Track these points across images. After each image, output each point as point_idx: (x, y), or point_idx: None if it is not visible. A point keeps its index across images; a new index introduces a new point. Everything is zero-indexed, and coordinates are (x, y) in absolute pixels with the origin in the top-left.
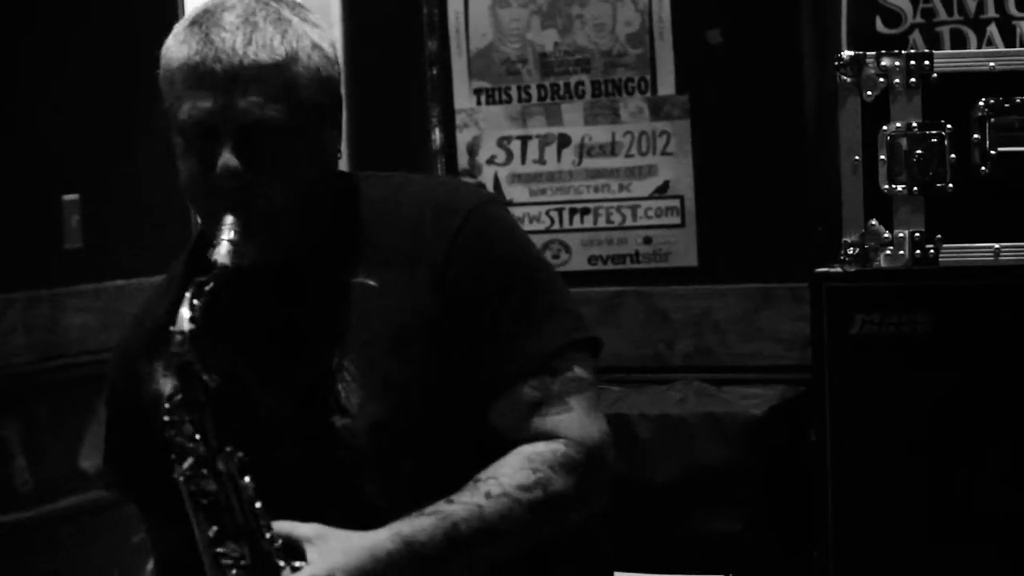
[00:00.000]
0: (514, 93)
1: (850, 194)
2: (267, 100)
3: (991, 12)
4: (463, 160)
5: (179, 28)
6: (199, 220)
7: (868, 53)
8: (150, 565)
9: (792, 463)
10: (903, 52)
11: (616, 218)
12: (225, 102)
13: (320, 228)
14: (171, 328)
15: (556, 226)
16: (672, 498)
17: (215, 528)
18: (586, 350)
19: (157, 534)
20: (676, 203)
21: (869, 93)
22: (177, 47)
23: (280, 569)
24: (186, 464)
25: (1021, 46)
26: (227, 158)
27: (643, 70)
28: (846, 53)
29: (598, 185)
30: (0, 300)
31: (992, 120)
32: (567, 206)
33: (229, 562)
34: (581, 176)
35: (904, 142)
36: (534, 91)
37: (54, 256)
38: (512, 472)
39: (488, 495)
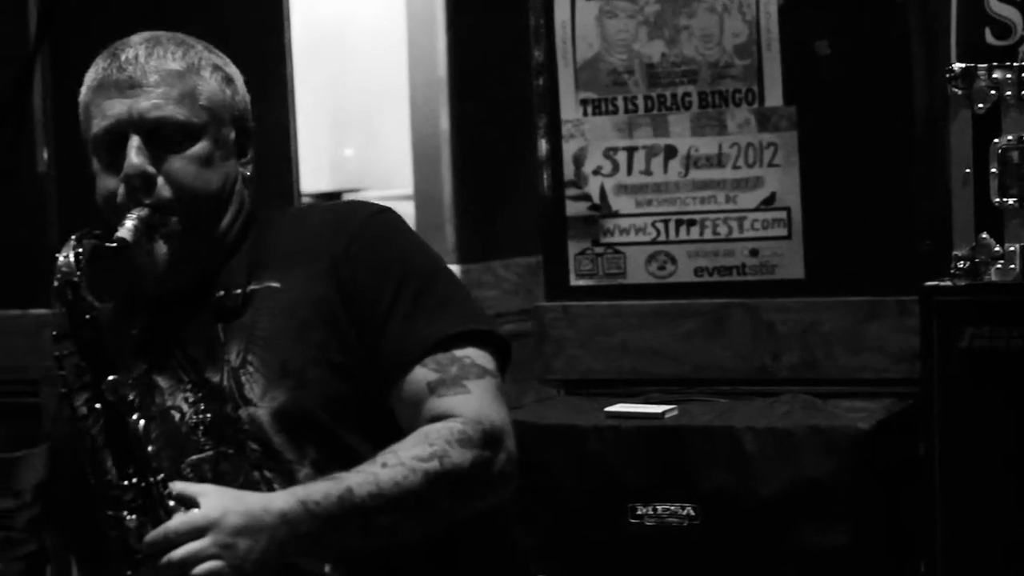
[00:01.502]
0: (620, 104)
1: (960, 207)
2: (167, 102)
3: None
4: (569, 171)
5: (95, 62)
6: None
7: (979, 65)
8: None
9: (900, 477)
10: (1015, 64)
11: (723, 230)
12: (130, 105)
13: (226, 245)
14: (56, 260)
15: (662, 238)
16: (778, 511)
17: (112, 468)
18: (487, 344)
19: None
20: (783, 215)
21: (980, 106)
22: (89, 73)
23: (174, 510)
24: (78, 401)
25: None
26: (133, 156)
27: (750, 81)
28: (957, 65)
29: (704, 197)
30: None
31: None
32: (673, 217)
33: (122, 505)
34: (687, 187)
35: (1015, 155)
36: (641, 102)
37: None
38: (409, 447)
39: (384, 464)
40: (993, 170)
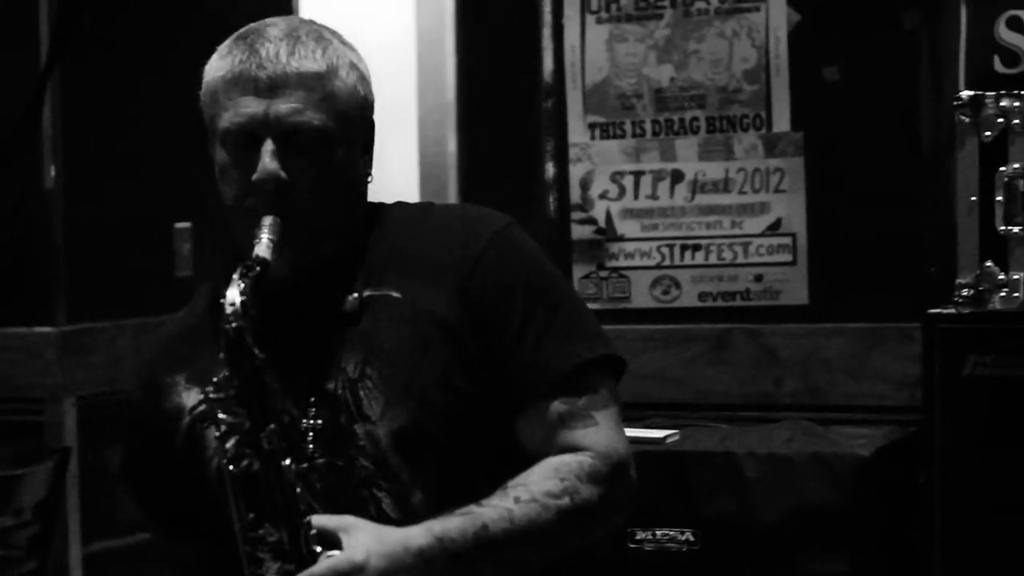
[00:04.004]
0: (628, 128)
1: (966, 235)
2: (306, 107)
3: None
4: (575, 194)
5: (223, 46)
6: (235, 239)
7: (987, 93)
8: None
9: (900, 505)
10: (1023, 93)
11: (727, 255)
12: (267, 106)
13: (348, 243)
14: (221, 301)
15: (667, 262)
16: (779, 538)
17: (253, 513)
18: (610, 369)
19: (168, 551)
20: (788, 241)
21: (988, 134)
22: (220, 61)
23: (317, 554)
24: (229, 443)
25: None
26: (267, 161)
27: (758, 107)
28: (965, 93)
29: (710, 221)
30: (111, 328)
31: None
32: (679, 242)
33: (265, 546)
34: (693, 212)
35: (1021, 184)
36: (648, 126)
37: (165, 284)
38: (540, 480)
39: (517, 500)
40: (999, 198)
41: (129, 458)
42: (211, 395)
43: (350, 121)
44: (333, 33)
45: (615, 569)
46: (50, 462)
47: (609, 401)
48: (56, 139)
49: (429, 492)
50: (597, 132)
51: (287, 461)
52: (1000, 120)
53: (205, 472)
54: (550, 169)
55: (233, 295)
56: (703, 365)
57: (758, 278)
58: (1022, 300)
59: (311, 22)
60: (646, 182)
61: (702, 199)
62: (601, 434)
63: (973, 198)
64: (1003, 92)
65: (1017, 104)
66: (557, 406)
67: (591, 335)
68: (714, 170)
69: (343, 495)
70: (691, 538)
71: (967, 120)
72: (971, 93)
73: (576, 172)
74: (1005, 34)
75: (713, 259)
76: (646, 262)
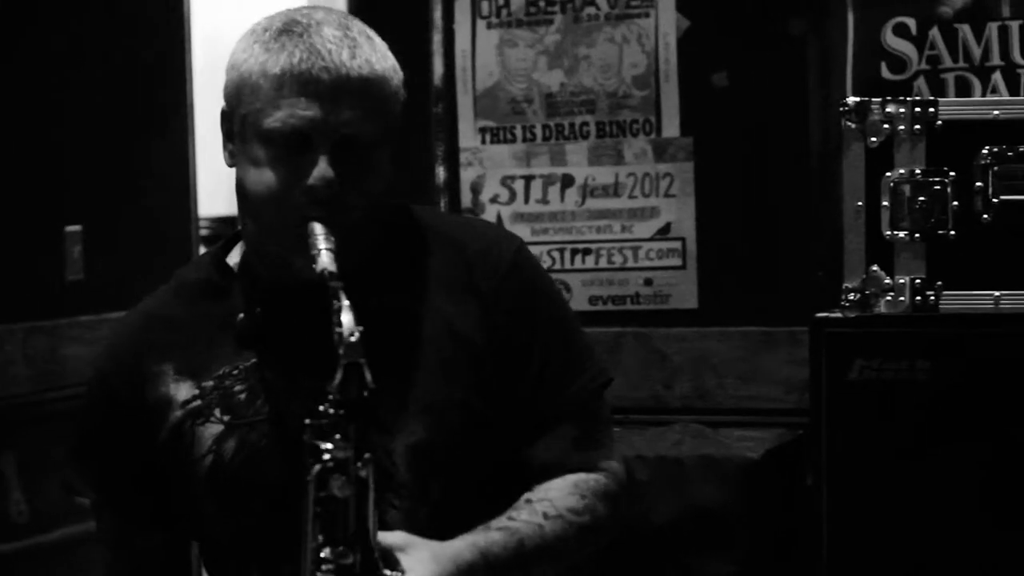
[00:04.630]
0: (519, 132)
1: (852, 239)
2: (365, 114)
3: (996, 60)
4: (467, 198)
5: (265, 37)
6: (250, 230)
7: (873, 99)
8: None
9: (788, 507)
10: (908, 99)
11: (617, 259)
12: (327, 112)
13: (372, 249)
14: (339, 330)
15: (557, 266)
16: (668, 539)
17: (324, 536)
18: (606, 387)
19: (120, 539)
20: (678, 245)
21: (873, 139)
22: (271, 54)
23: (383, 575)
24: (318, 468)
25: None
26: (324, 168)
27: (648, 112)
28: (851, 99)
29: (600, 226)
30: (1, 331)
31: (995, 168)
32: (569, 246)
33: (333, 567)
34: (584, 216)
35: (907, 189)
36: (539, 131)
37: (55, 287)
38: (564, 496)
39: (546, 516)
40: (885, 203)
41: (90, 438)
42: (306, 421)
43: (394, 125)
44: (373, 32)
45: None
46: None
47: (611, 421)
48: None
49: (436, 507)
50: (488, 136)
51: (373, 489)
52: (886, 126)
53: (194, 468)
54: (441, 173)
55: (349, 322)
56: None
57: (648, 282)
58: (907, 304)
59: (354, 19)
60: (536, 186)
61: (592, 203)
62: (612, 455)
63: (859, 203)
64: (889, 98)
65: (903, 110)
66: (570, 429)
67: (592, 357)
68: (604, 175)
69: None
70: None
71: (853, 126)
72: (857, 99)
73: (467, 176)
74: (892, 40)
75: (603, 263)
76: None
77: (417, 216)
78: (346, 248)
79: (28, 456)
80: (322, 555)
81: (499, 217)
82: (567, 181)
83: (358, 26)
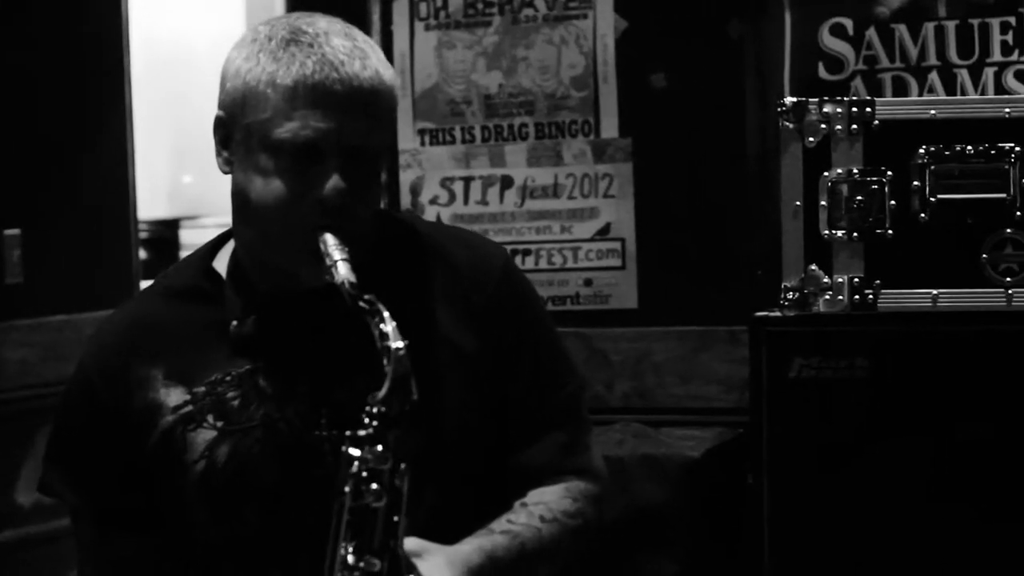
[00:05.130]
0: (458, 134)
1: (790, 239)
2: (375, 125)
3: (933, 60)
4: (406, 200)
5: (271, 46)
6: (250, 238)
7: (810, 100)
8: None
9: (729, 505)
10: (845, 99)
11: (557, 259)
12: (340, 124)
13: (369, 258)
14: (387, 344)
15: None
16: (611, 539)
17: (354, 543)
18: (585, 392)
19: (96, 544)
20: (617, 245)
21: (811, 139)
22: (280, 65)
23: None
24: (354, 478)
25: (962, 94)
26: (337, 180)
27: (586, 113)
28: (788, 99)
29: (540, 227)
30: None
31: (932, 167)
32: (509, 247)
33: (358, 573)
34: (523, 218)
35: (845, 188)
36: (478, 132)
37: None
38: (557, 500)
39: (543, 519)
40: (823, 203)
41: (69, 441)
42: (345, 432)
43: (393, 132)
44: (372, 42)
45: None
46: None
47: (591, 425)
48: None
49: (432, 513)
50: (427, 138)
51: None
52: (823, 126)
53: (185, 474)
54: None
55: (397, 340)
56: None
57: (588, 282)
58: (846, 303)
59: (352, 27)
60: (476, 188)
61: (532, 204)
62: (595, 460)
63: (797, 203)
64: (826, 98)
65: (840, 110)
66: (558, 436)
67: (572, 365)
68: (543, 176)
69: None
70: None
71: (791, 126)
72: (794, 99)
73: (406, 178)
74: (829, 41)
75: (543, 264)
76: None
77: (408, 224)
78: (354, 255)
79: None
80: (349, 561)
81: (439, 219)
82: (507, 182)
83: (360, 35)
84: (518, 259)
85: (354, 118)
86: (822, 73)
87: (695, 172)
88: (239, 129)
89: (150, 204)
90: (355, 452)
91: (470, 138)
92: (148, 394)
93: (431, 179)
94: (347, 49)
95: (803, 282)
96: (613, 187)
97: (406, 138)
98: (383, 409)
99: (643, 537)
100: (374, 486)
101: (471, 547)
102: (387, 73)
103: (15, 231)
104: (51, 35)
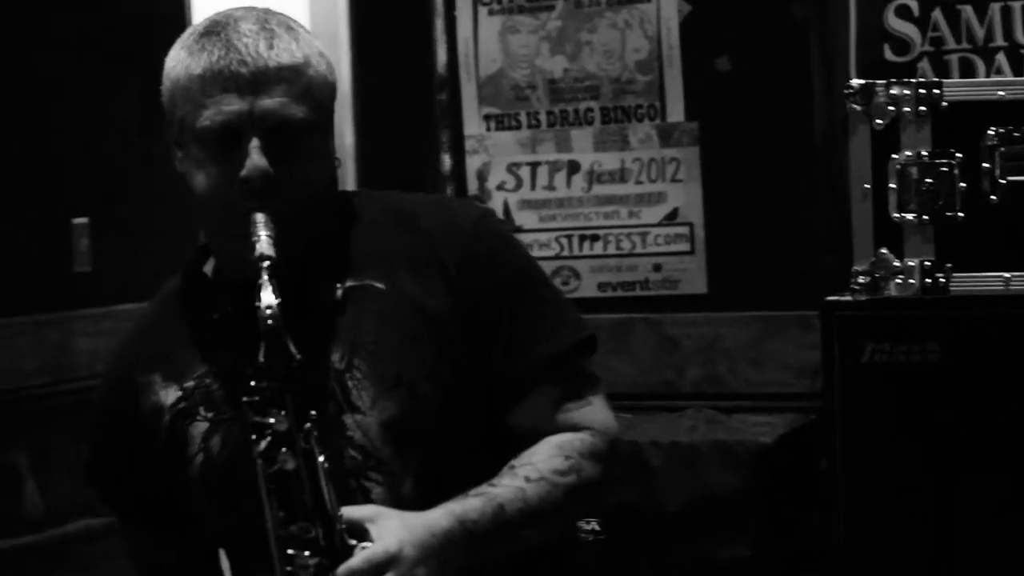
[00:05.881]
0: (523, 119)
1: (860, 223)
2: (290, 100)
3: (999, 40)
4: (473, 186)
5: (189, 41)
6: (208, 233)
7: (878, 82)
8: None
9: (802, 491)
10: (913, 81)
11: (626, 245)
12: (251, 103)
13: (328, 233)
14: (258, 304)
15: (565, 252)
16: (682, 525)
17: (285, 511)
18: (590, 348)
19: (142, 554)
20: (685, 230)
21: (879, 122)
22: (193, 57)
23: (351, 546)
24: (263, 444)
25: None
26: (256, 158)
27: (652, 97)
28: (856, 81)
29: (607, 212)
30: (10, 324)
31: (1002, 149)
32: (576, 232)
33: (299, 543)
34: (591, 203)
35: (914, 171)
36: (543, 117)
37: (63, 279)
38: (547, 459)
39: (528, 479)
40: (892, 185)
41: (100, 460)
42: (243, 398)
43: (325, 110)
44: (295, 22)
45: None
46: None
47: (596, 380)
48: None
49: (419, 481)
50: (492, 123)
51: (321, 458)
52: (891, 108)
53: (187, 469)
54: (447, 161)
55: (268, 297)
56: (605, 355)
57: (657, 268)
58: (917, 287)
59: (275, 12)
60: (543, 173)
61: (599, 189)
62: (597, 413)
63: (866, 186)
64: (893, 80)
65: (907, 92)
66: (552, 390)
67: (571, 318)
68: (610, 160)
69: (332, 486)
70: (596, 527)
71: (859, 108)
72: (862, 81)
73: (473, 163)
74: (894, 22)
75: (612, 249)
76: (545, 253)
77: (377, 199)
78: (294, 235)
79: (40, 450)
80: (291, 530)
81: (506, 204)
82: (573, 167)
83: (278, 18)
84: (585, 244)
85: (264, 95)
86: (888, 55)
87: (762, 155)
88: (176, 126)
89: None
90: (260, 419)
91: (536, 123)
92: (150, 398)
93: (497, 165)
94: (253, 31)
95: (874, 266)
96: (680, 171)
97: (471, 124)
98: (267, 371)
99: (715, 523)
100: (283, 449)
101: (439, 511)
102: (303, 50)
103: (83, 220)
104: (118, 24)
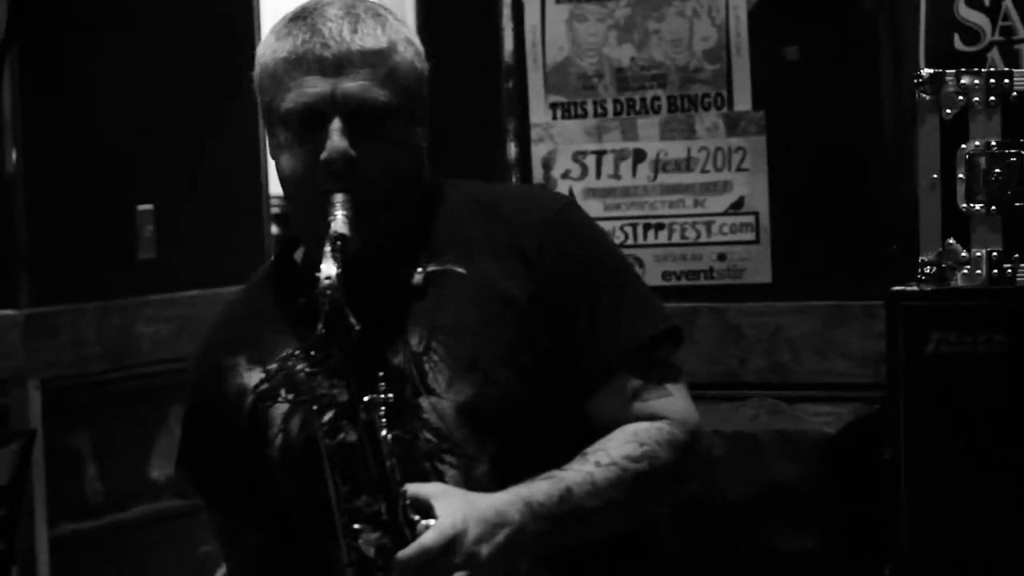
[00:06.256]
0: (590, 108)
1: (927, 212)
2: (372, 83)
3: None
4: (538, 174)
5: (278, 27)
6: (294, 218)
7: (947, 71)
8: (219, 573)
9: (866, 481)
10: (983, 70)
11: (691, 234)
12: (334, 85)
13: (412, 219)
14: (317, 275)
15: (630, 241)
16: (744, 515)
17: (349, 485)
18: (673, 339)
19: (231, 537)
20: (751, 219)
21: (948, 111)
22: (280, 41)
23: (415, 522)
24: (326, 417)
25: None
26: (337, 140)
27: (719, 86)
28: (925, 71)
29: (673, 201)
30: (73, 310)
31: None
32: (641, 221)
33: (362, 517)
34: (656, 191)
35: (983, 161)
36: (610, 106)
37: (127, 266)
38: (620, 445)
39: (598, 464)
40: (960, 175)
41: (190, 447)
42: (304, 371)
43: (411, 95)
44: (386, 9)
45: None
46: (15, 445)
47: (678, 372)
48: (16, 123)
49: (493, 465)
50: (559, 112)
51: (384, 432)
52: (960, 98)
53: (268, 451)
54: (512, 149)
55: (329, 268)
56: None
57: (721, 257)
58: (984, 277)
59: (371, 1)
60: (608, 161)
61: (664, 178)
62: (677, 403)
63: (934, 176)
64: (963, 70)
65: (977, 81)
66: (631, 380)
67: (654, 308)
68: (676, 149)
69: (406, 468)
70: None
71: (928, 98)
72: (931, 71)
73: (538, 152)
74: (965, 12)
75: (676, 238)
76: None
77: (462, 187)
78: (373, 217)
79: (102, 435)
80: (356, 504)
81: (571, 192)
82: (639, 156)
83: (366, 4)
84: (650, 233)
85: (348, 79)
86: (958, 44)
87: (829, 145)
88: (265, 111)
89: None
90: (323, 391)
91: (602, 112)
92: (235, 381)
93: (563, 153)
94: (338, 16)
95: (940, 256)
96: (746, 160)
97: (537, 112)
98: (326, 342)
99: (779, 513)
100: (344, 422)
101: (507, 493)
102: (389, 35)
103: (148, 207)
104: (185, 14)
